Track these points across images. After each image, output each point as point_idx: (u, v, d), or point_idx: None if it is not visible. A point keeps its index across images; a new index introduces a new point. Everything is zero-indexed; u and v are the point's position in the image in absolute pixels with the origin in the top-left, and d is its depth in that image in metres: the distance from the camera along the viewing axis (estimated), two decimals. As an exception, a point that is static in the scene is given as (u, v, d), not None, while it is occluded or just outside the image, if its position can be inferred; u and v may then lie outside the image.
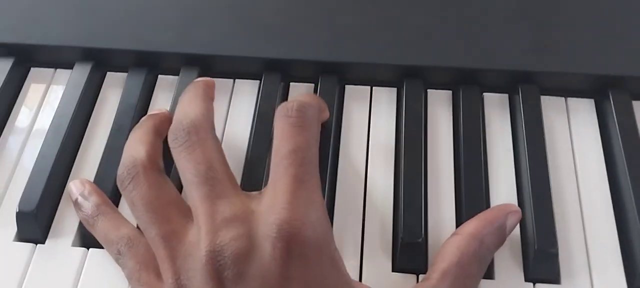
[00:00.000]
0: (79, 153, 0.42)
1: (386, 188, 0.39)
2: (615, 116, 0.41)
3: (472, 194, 0.38)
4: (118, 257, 0.34)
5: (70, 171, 0.41)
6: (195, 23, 0.44)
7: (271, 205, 0.31)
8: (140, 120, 0.39)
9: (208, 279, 0.29)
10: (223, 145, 0.41)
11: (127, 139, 0.38)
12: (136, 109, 0.42)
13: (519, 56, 0.43)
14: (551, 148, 0.41)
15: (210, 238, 0.30)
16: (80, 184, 0.38)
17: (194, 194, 0.32)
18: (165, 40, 0.44)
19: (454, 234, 0.35)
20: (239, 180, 0.38)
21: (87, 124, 0.43)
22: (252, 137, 0.40)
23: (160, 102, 0.44)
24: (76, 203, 0.37)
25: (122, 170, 0.35)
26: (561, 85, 0.43)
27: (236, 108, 0.43)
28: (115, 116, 0.42)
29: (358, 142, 0.42)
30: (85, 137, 0.42)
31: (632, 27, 0.43)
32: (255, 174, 0.39)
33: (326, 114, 0.40)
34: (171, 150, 0.35)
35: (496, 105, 0.43)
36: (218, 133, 0.42)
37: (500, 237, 0.35)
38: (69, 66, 0.45)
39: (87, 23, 0.44)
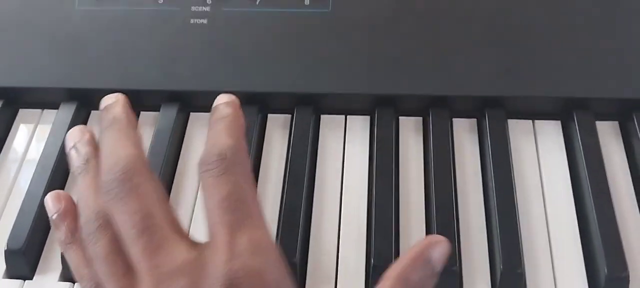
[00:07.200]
0: (65, 190, 0.43)
1: (360, 213, 0.41)
2: (579, 136, 0.42)
3: (442, 218, 0.39)
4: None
5: (56, 208, 0.42)
6: (175, 61, 0.46)
7: (212, 258, 0.29)
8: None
9: None
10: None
11: None
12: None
13: (487, 82, 0.44)
14: (518, 169, 0.42)
15: None
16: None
17: (131, 250, 0.30)
18: (147, 78, 0.46)
19: (381, 279, 0.32)
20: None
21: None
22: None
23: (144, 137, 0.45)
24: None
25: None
26: (528, 108, 0.45)
27: (216, 141, 0.45)
28: None
29: (334, 170, 0.43)
30: (70, 174, 0.44)
31: (594, 50, 0.44)
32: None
33: (241, 121, 0.35)
34: (105, 204, 0.31)
35: (465, 129, 0.45)
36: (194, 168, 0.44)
37: (429, 270, 0.32)
38: (56, 107, 0.47)
39: (71, 65, 0.46)
